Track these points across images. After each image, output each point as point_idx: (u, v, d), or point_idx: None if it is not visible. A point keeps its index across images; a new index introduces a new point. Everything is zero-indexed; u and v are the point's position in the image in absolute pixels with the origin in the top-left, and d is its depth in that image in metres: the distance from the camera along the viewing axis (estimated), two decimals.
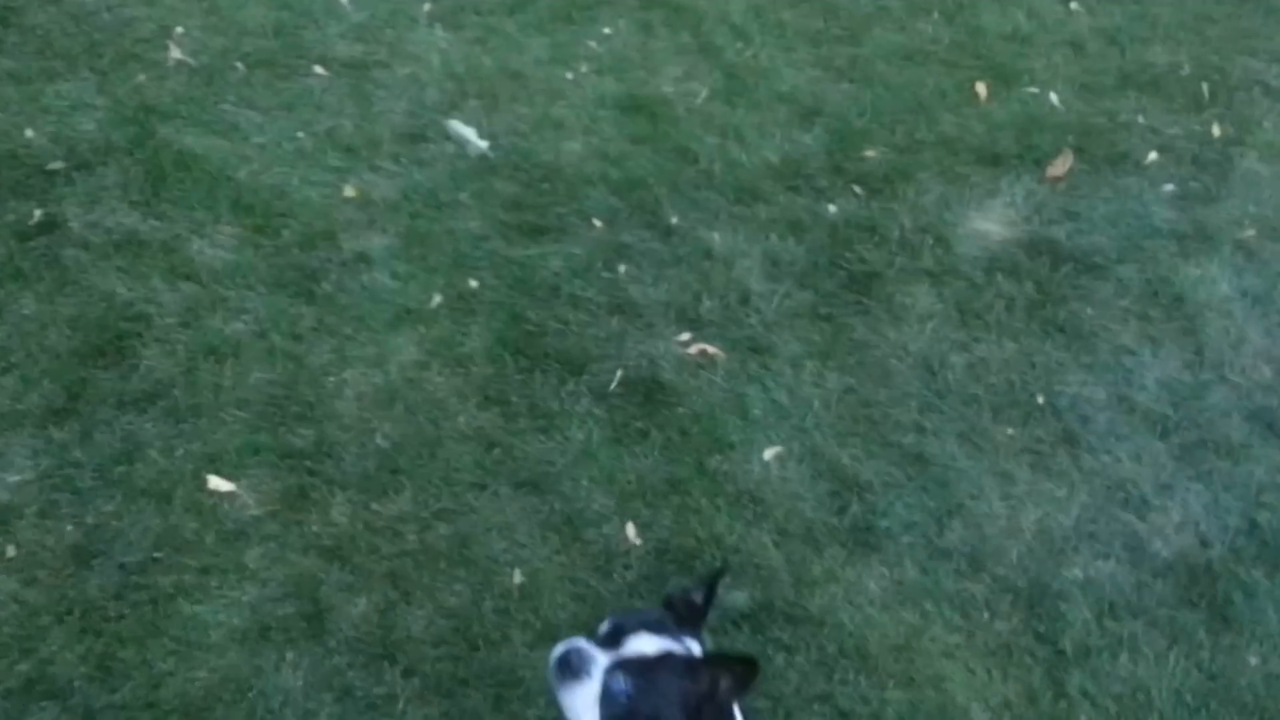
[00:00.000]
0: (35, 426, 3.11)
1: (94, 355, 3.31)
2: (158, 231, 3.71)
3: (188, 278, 3.58)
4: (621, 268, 3.90)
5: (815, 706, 2.72)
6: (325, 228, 3.82)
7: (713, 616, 2.12)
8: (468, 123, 4.37)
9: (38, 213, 3.69)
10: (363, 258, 3.76)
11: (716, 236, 4.09)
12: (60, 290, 3.47)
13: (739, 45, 4.93)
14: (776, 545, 3.10)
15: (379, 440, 3.23)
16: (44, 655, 2.62)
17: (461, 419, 3.33)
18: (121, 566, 2.86)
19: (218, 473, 3.08)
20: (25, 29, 4.35)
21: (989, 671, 2.80)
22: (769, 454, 3.35)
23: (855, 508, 3.18)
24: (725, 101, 4.69)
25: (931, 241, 4.12)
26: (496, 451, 3.25)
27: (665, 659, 1.95)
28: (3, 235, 3.60)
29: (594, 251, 3.95)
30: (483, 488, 3.15)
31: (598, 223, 4.05)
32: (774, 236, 4.11)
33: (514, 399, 3.40)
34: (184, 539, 2.91)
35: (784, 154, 4.49)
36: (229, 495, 3.03)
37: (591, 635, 1.97)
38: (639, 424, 3.38)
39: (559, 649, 1.94)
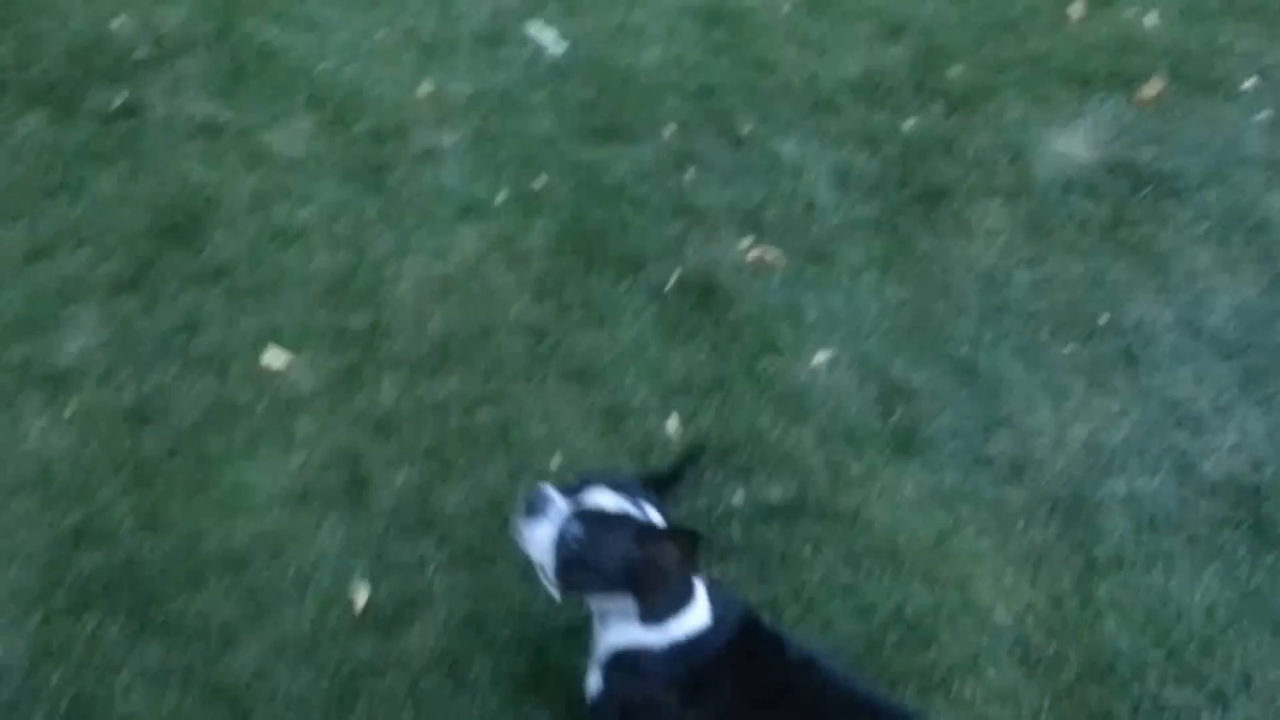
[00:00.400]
0: (103, 297, 3.23)
1: (165, 234, 3.42)
2: (235, 120, 3.79)
3: (260, 165, 3.66)
4: (688, 173, 3.88)
5: (839, 598, 2.72)
6: (397, 124, 3.87)
7: (683, 493, 2.13)
8: (547, 27, 4.36)
9: (121, 98, 3.80)
10: (432, 154, 3.80)
11: (787, 146, 4.04)
12: (137, 172, 3.58)
13: None
14: (816, 445, 3.08)
15: (433, 326, 3.29)
16: (94, 507, 2.74)
17: (515, 310, 3.36)
18: (175, 429, 2.96)
19: (275, 346, 3.15)
20: None
21: (1017, 576, 2.76)
22: (819, 358, 3.32)
23: (901, 413, 3.15)
24: (809, 14, 4.60)
25: (1008, 160, 4.01)
26: (547, 342, 3.28)
27: (619, 519, 2.01)
28: (87, 118, 3.71)
29: (663, 156, 3.94)
30: (530, 376, 3.19)
31: (669, 129, 4.03)
32: (846, 149, 4.05)
33: (569, 293, 3.43)
34: (237, 407, 3.01)
35: (865, 68, 4.40)
36: (283, 370, 3.12)
37: (562, 485, 2.00)
38: (691, 323, 3.38)
39: (526, 491, 1.99)
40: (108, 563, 2.67)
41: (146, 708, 2.44)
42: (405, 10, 4.33)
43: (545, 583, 2.05)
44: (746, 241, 3.67)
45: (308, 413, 3.02)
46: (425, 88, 4.01)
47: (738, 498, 2.95)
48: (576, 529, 2.01)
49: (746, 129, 4.07)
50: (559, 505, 2.04)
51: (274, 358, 3.14)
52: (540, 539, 2.04)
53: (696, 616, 2.13)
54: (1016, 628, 2.66)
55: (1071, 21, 4.57)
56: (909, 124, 4.15)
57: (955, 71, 4.38)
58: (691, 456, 2.19)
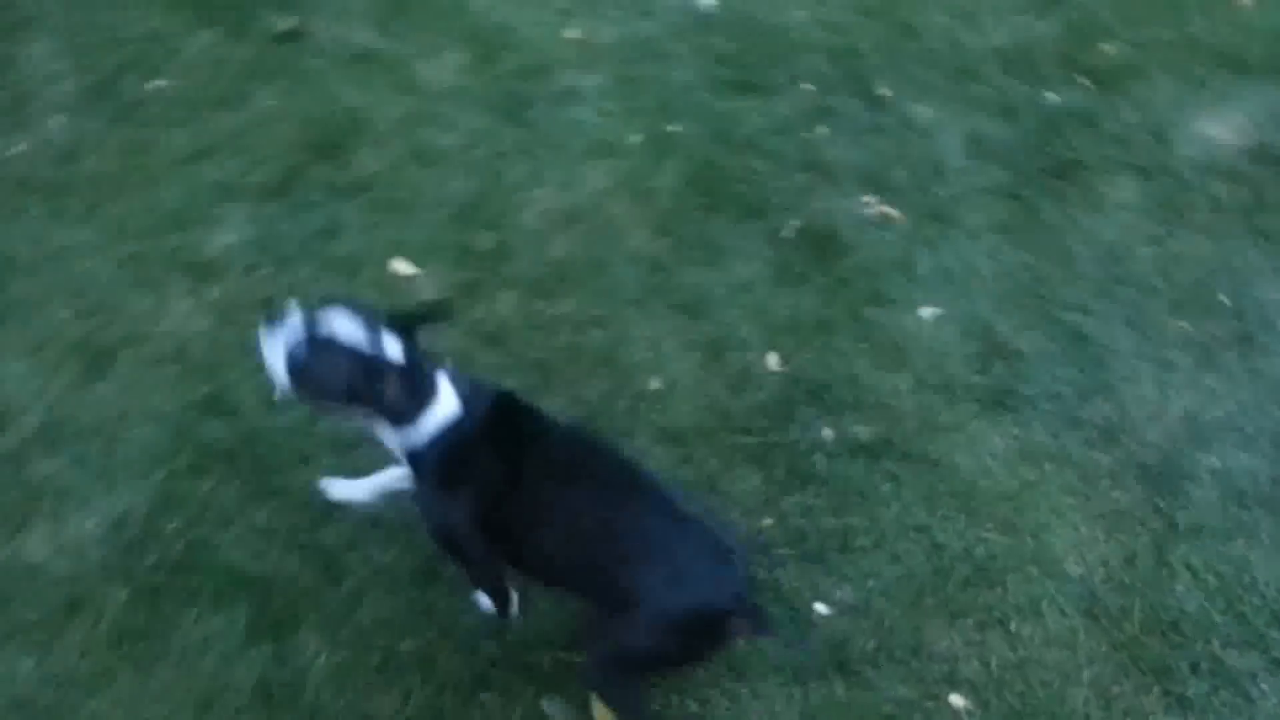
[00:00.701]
0: (253, 200, 3.48)
1: (314, 148, 3.65)
2: (390, 50, 4.01)
3: (410, 93, 3.87)
4: (821, 129, 3.94)
5: (911, 534, 2.76)
6: (542, 63, 4.03)
7: (426, 341, 2.28)
8: None
9: (289, 23, 4.05)
10: (572, 93, 3.95)
11: (923, 110, 4.06)
12: (295, 91, 3.83)
13: None
14: (910, 392, 3.12)
15: (554, 251, 3.44)
16: (224, 383, 2.98)
17: (634, 243, 3.48)
18: None
19: (404, 257, 3.35)
20: None
21: (1093, 531, 2.75)
22: (925, 312, 3.35)
23: (999, 370, 3.16)
24: None
25: (1149, 138, 3.95)
26: (660, 275, 3.39)
27: (345, 342, 2.18)
28: (256, 39, 3.98)
29: (797, 112, 4.01)
30: (640, 304, 3.31)
31: (807, 86, 4.10)
32: (983, 117, 4.05)
33: (688, 232, 3.53)
34: None
35: (1013, 39, 4.39)
36: (410, 278, 3.31)
37: (307, 305, 2.24)
38: (803, 269, 3.45)
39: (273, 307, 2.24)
40: (230, 433, 2.90)
41: (250, 559, 2.65)
42: None
43: (276, 386, 2.24)
44: (869, 198, 3.71)
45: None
46: (572, 32, 4.16)
47: (826, 433, 3.00)
48: (302, 349, 2.18)
49: (884, 91, 4.11)
50: (295, 325, 2.21)
51: (402, 267, 3.33)
52: (274, 350, 2.21)
53: (444, 408, 2.27)
54: (1086, 580, 2.66)
55: (1238, 4, 4.45)
56: (1051, 97, 4.12)
57: (1107, 48, 4.32)
58: (442, 308, 2.34)
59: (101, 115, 3.66)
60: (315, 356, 2.19)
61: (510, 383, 2.98)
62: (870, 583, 2.70)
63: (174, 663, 2.47)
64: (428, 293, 3.28)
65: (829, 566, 2.72)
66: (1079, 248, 3.57)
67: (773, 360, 3.19)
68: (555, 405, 3.00)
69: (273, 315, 2.21)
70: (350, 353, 2.19)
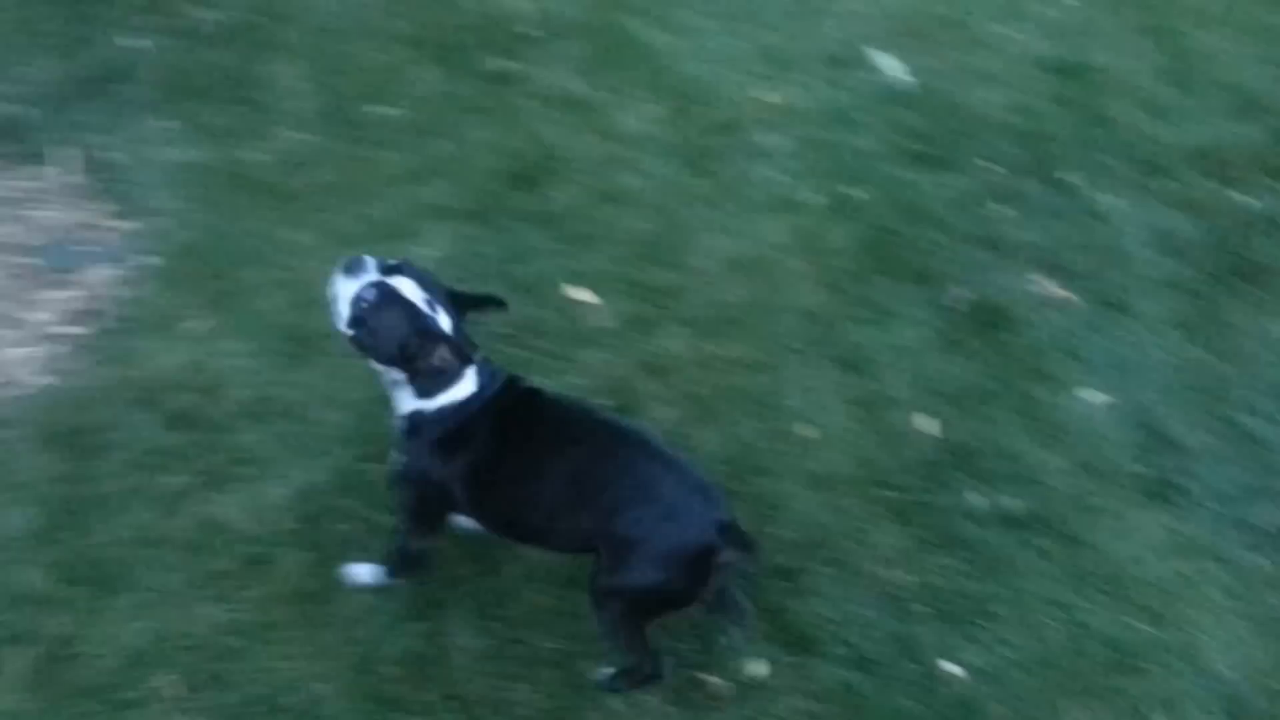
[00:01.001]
0: (456, 220, 3.74)
1: (514, 179, 3.90)
2: (593, 97, 4.25)
3: (607, 137, 4.10)
4: (1000, 208, 4.00)
5: (1053, 610, 2.77)
6: (734, 120, 4.21)
7: (474, 322, 2.53)
8: (895, 57, 4.59)
9: (506, 65, 4.34)
10: (760, 151, 4.11)
11: (1108, 199, 4.08)
12: (503, 125, 4.10)
13: (1196, 31, 4.81)
14: (1065, 472, 3.13)
15: (725, 296, 3.58)
16: None
17: (803, 296, 3.60)
18: (489, 332, 3.39)
19: (585, 286, 3.55)
20: None
21: (1248, 636, 2.72)
22: (1090, 395, 3.36)
23: (1162, 462, 3.15)
24: (1162, 81, 4.61)
25: None
26: (824, 329, 3.50)
27: (410, 305, 2.40)
28: (476, 77, 4.28)
29: (980, 189, 4.08)
30: (802, 354, 3.42)
31: (991, 165, 4.16)
32: (1169, 211, 4.05)
33: (856, 291, 3.63)
34: (542, 328, 3.42)
35: (1209, 140, 4.37)
36: (588, 305, 3.51)
37: (382, 261, 2.45)
38: (968, 340, 3.50)
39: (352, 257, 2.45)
40: None
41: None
42: (765, 26, 4.67)
43: (338, 330, 2.44)
44: (1043, 278, 3.75)
45: (598, 345, 3.38)
46: (766, 94, 4.33)
47: (975, 499, 3.04)
48: (372, 295, 2.39)
49: (1071, 178, 4.14)
50: (369, 275, 2.42)
51: (581, 294, 3.52)
52: (344, 293, 2.42)
53: (463, 388, 2.49)
54: (1234, 683, 2.62)
55: None
56: (1242, 199, 4.09)
57: None
58: (499, 301, 2.49)
59: (332, 133, 3.98)
60: (380, 310, 2.41)
61: (668, 413, 3.15)
62: (1006, 652, 2.72)
63: (338, 626, 2.67)
64: (603, 321, 3.46)
65: (964, 630, 2.75)
66: (1259, 350, 3.52)
67: (927, 423, 3.25)
68: (709, 438, 3.13)
69: (350, 265, 2.44)
70: (411, 316, 2.41)
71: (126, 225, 3.76)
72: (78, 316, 3.52)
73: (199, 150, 3.97)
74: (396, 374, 2.50)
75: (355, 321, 2.45)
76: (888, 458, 3.14)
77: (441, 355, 2.45)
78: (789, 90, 4.34)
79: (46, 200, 3.89)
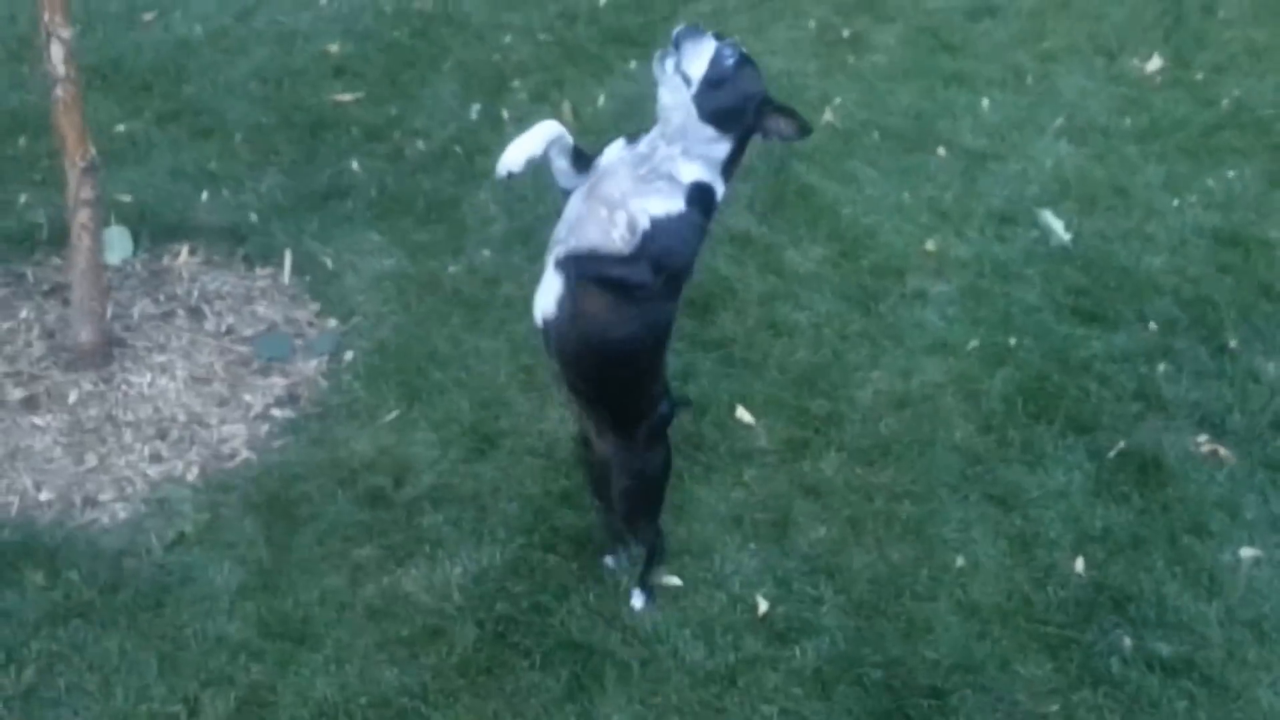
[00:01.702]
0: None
1: (686, 305, 4.13)
2: (764, 236, 4.55)
3: (774, 273, 4.38)
4: (1160, 366, 4.11)
5: None
6: (898, 266, 4.45)
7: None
8: (1058, 217, 4.79)
9: None
10: (921, 295, 4.33)
11: (1272, 366, 4.15)
12: None
13: None
14: (1220, 622, 3.18)
15: (881, 428, 3.77)
16: (579, 480, 3.44)
17: (958, 434, 3.76)
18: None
19: (746, 408, 3.78)
20: None
21: None
22: (1246, 552, 3.41)
23: None
24: None
25: None
26: (979, 467, 3.65)
27: (759, 79, 2.53)
28: None
29: (1139, 347, 4.20)
30: (955, 488, 3.56)
31: (1153, 325, 4.29)
32: None
33: (1012, 434, 3.78)
34: (704, 442, 3.65)
35: None
36: (748, 426, 3.73)
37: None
38: (1123, 488, 3.60)
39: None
40: (578, 523, 3.37)
41: (579, 630, 3.06)
42: (932, 182, 4.93)
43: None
44: (1201, 436, 3.83)
45: (757, 464, 3.60)
46: (931, 244, 4.57)
47: (1126, 641, 3.12)
48: (733, 54, 2.50)
49: (1232, 341, 4.23)
50: (712, 48, 2.52)
51: (744, 415, 3.75)
52: (702, 53, 2.50)
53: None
54: None
55: None
56: None
57: None
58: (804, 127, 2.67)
59: (520, 254, 4.36)
60: (742, 68, 2.53)
61: (821, 531, 3.32)
62: None
63: (503, 701, 2.89)
64: (762, 441, 3.68)
65: None
66: None
67: (1080, 564, 3.35)
68: (860, 558, 3.30)
69: (694, 29, 2.55)
70: (761, 88, 2.56)
71: (331, 323, 4.16)
72: (285, 401, 3.90)
73: (400, 261, 4.38)
74: (715, 146, 2.58)
75: (711, 81, 2.51)
76: (1039, 593, 3.24)
77: (787, 122, 2.59)
78: (952, 242, 4.57)
79: (263, 297, 4.33)
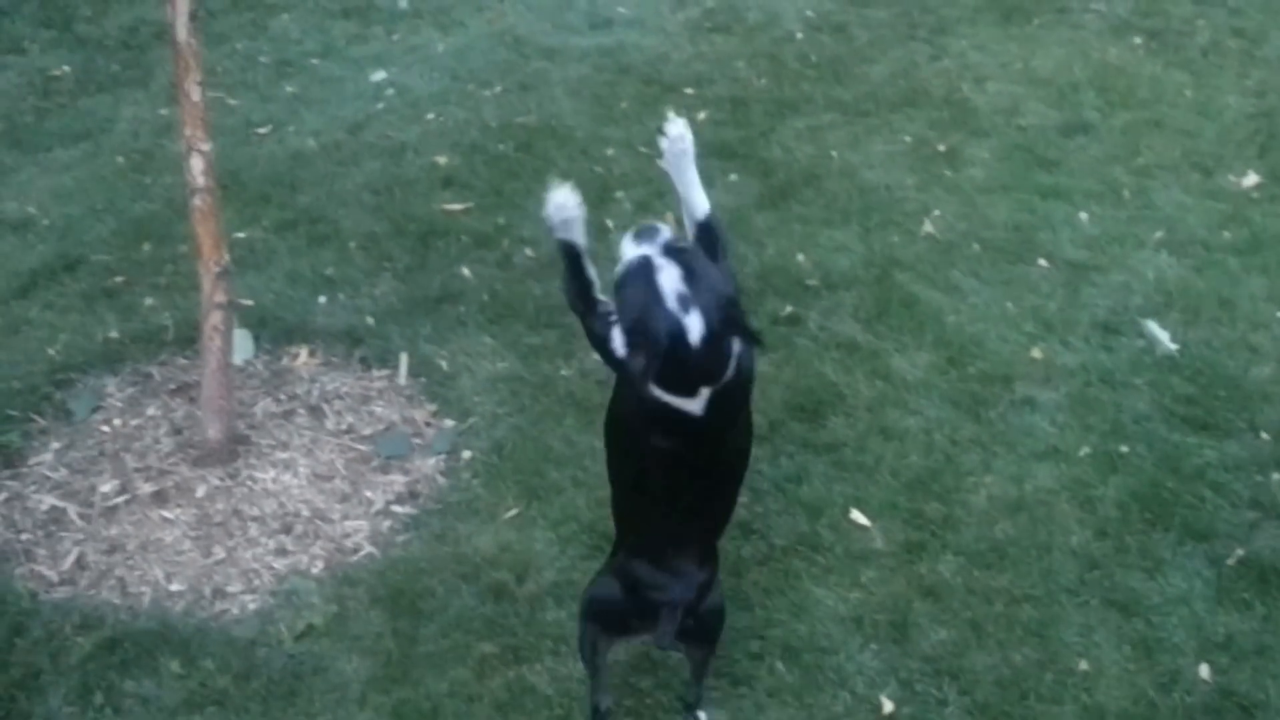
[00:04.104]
0: None
1: (796, 409, 4.36)
2: (870, 343, 4.73)
3: (883, 379, 4.54)
4: (1275, 475, 4.19)
5: None
6: (1005, 373, 4.60)
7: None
8: (1163, 328, 4.92)
9: (788, 309, 4.90)
10: (1029, 402, 4.47)
11: None
12: (787, 362, 4.60)
13: None
14: None
15: (997, 532, 3.88)
16: None
17: (1075, 540, 3.87)
18: (770, 545, 3.80)
19: (860, 510, 3.92)
20: (822, 190, 5.75)
21: None
22: None
23: None
24: None
25: None
26: (1097, 572, 3.74)
27: (654, 292, 2.47)
28: (763, 318, 4.84)
29: (1253, 456, 4.29)
30: (1074, 593, 3.66)
31: (1264, 435, 4.38)
32: None
33: (1128, 541, 3.87)
34: (821, 544, 3.79)
35: None
36: (863, 528, 3.87)
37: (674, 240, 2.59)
38: (1245, 594, 3.67)
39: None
40: None
41: None
42: (1035, 292, 5.10)
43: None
44: None
45: (875, 565, 3.72)
46: (1036, 352, 4.71)
47: None
48: (631, 266, 2.53)
49: None
50: (652, 246, 2.55)
51: (859, 518, 3.89)
52: (624, 252, 2.58)
53: (690, 405, 2.59)
54: None
55: None
56: None
57: None
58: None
59: None
60: (627, 284, 2.50)
61: (942, 634, 3.43)
62: None
63: None
64: (878, 543, 3.81)
65: None
66: None
67: (1205, 671, 3.41)
68: (982, 660, 3.40)
69: (644, 230, 2.58)
70: (645, 306, 2.44)
71: (448, 424, 4.38)
72: (404, 498, 4.10)
73: (513, 363, 4.61)
74: (617, 343, 2.62)
75: (622, 275, 2.51)
76: (1165, 698, 3.31)
77: (639, 362, 2.43)
78: (1058, 350, 4.71)
79: (380, 397, 4.57)
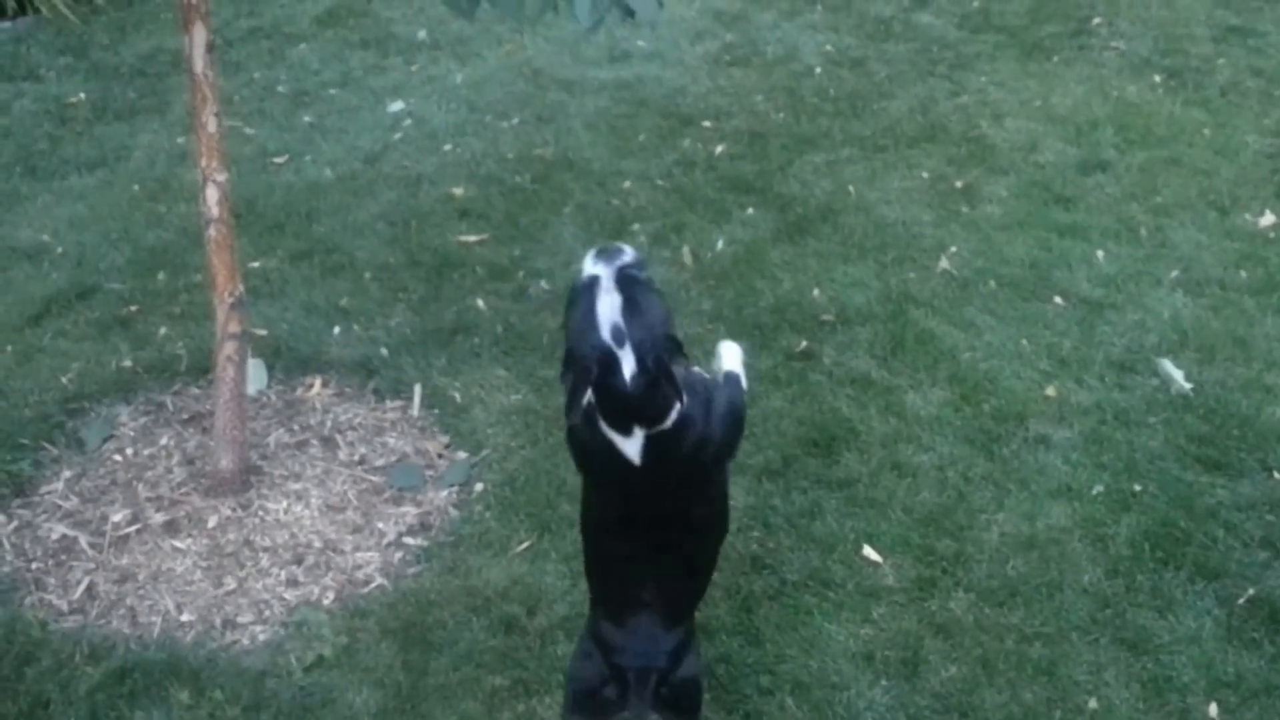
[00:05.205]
0: (754, 476, 4.31)
1: (809, 445, 4.47)
2: (885, 379, 4.84)
3: (896, 415, 4.64)
4: None
5: None
6: (1019, 411, 4.70)
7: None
8: (1178, 366, 5.02)
9: (803, 344, 5.01)
10: (1043, 440, 4.56)
11: None
12: (801, 397, 4.71)
13: None
14: None
15: (1008, 569, 3.97)
16: (707, 614, 3.68)
17: (1086, 578, 3.95)
18: (782, 579, 3.90)
19: (872, 546, 4.02)
20: (839, 225, 5.87)
21: None
22: None
23: None
24: None
25: None
26: (1109, 611, 3.83)
27: (590, 317, 2.52)
28: (776, 353, 4.95)
29: (1265, 496, 4.37)
30: (1084, 631, 3.74)
31: (1278, 475, 4.46)
32: None
33: (1139, 580, 3.95)
34: (832, 580, 3.88)
35: None
36: (875, 564, 3.96)
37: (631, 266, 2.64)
38: (1255, 634, 3.75)
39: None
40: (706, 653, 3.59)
41: None
42: (1050, 329, 5.20)
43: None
44: None
45: (886, 601, 3.81)
46: (1051, 390, 4.81)
47: None
48: (578, 285, 2.61)
49: None
50: (606, 269, 2.60)
51: (871, 553, 3.99)
52: (588, 263, 2.64)
53: (628, 445, 2.65)
54: None
55: None
56: None
57: None
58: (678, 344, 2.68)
59: None
60: (570, 304, 2.59)
61: (953, 670, 3.51)
62: None
63: None
64: (889, 580, 3.90)
65: None
66: None
67: (1214, 709, 3.49)
68: (993, 698, 3.48)
69: (604, 250, 2.64)
70: (580, 330, 2.52)
71: (460, 456, 4.49)
72: (416, 530, 4.21)
73: (526, 396, 4.72)
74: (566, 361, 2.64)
75: (570, 296, 2.59)
76: None
77: (569, 383, 2.51)
78: (1072, 388, 4.80)
79: (393, 428, 4.69)
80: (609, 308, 2.53)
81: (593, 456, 2.74)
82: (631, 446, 2.64)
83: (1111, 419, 4.69)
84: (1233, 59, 7.44)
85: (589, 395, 2.52)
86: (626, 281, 2.57)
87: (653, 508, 2.77)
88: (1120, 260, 5.64)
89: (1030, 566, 3.97)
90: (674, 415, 2.61)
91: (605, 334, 2.51)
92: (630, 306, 2.52)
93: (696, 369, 2.98)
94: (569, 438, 2.95)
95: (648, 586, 2.88)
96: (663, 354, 2.53)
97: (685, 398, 2.60)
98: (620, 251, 2.62)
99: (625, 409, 2.55)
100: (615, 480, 2.72)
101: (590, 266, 2.62)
